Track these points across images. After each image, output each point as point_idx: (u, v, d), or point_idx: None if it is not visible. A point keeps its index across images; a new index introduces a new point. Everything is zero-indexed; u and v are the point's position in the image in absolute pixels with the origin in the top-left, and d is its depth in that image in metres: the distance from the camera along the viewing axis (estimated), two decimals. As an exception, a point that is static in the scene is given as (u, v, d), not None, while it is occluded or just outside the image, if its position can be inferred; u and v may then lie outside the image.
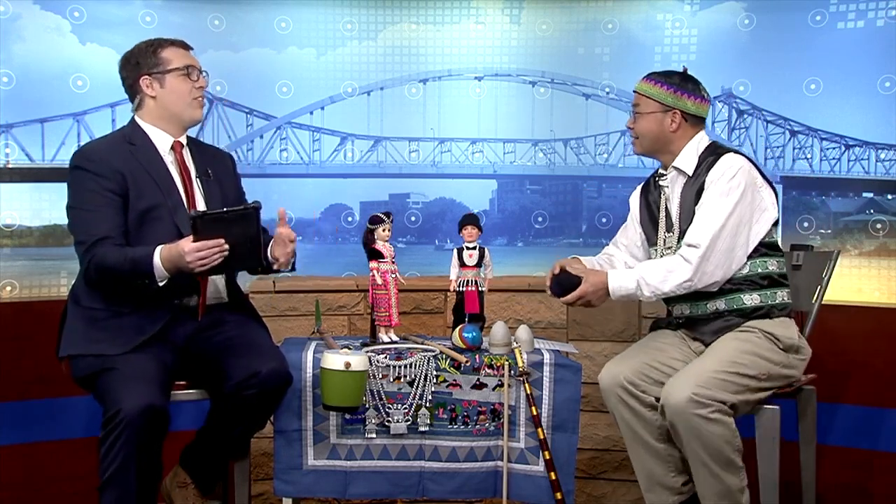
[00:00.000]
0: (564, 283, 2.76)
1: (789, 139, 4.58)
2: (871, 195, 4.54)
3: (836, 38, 4.42)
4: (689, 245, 2.68)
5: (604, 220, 4.87)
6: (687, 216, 2.76)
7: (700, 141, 2.81)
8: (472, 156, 4.85)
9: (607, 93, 4.72)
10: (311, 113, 4.75)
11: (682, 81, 2.79)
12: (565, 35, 4.76)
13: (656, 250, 2.87)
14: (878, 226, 4.43)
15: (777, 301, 2.75)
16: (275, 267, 2.75)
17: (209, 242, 2.46)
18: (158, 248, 2.53)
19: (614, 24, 4.69)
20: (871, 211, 4.51)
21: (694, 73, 2.84)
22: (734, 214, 2.67)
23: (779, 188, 4.72)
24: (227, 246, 2.48)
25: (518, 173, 4.88)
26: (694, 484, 2.71)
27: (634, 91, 2.85)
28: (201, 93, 2.80)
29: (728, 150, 2.76)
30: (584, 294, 2.71)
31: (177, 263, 2.51)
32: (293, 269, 2.83)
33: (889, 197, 4.50)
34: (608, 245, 3.08)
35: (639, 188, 3.02)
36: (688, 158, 2.79)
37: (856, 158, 4.51)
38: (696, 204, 2.73)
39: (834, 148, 4.54)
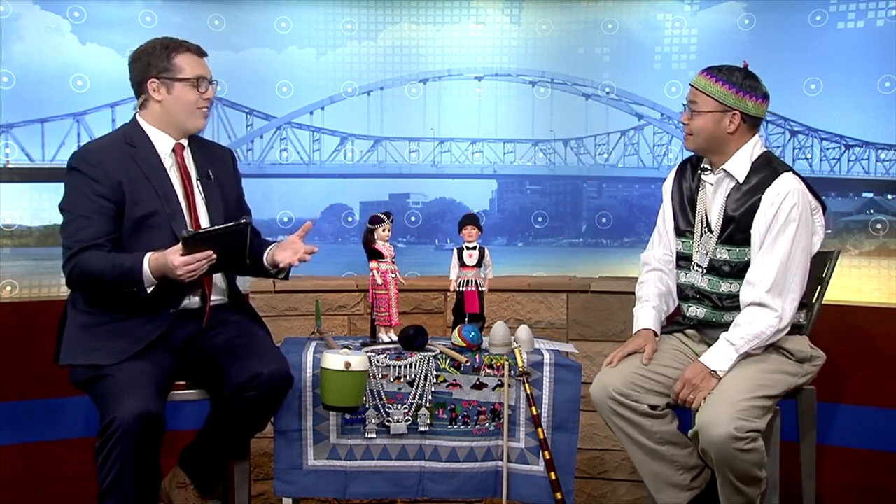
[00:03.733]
0: None
1: (789, 139, 4.58)
2: (871, 195, 4.54)
3: (836, 38, 4.42)
4: (760, 286, 2.62)
5: (604, 220, 4.87)
6: (729, 224, 2.70)
7: (754, 147, 2.73)
8: (472, 156, 4.85)
9: (607, 93, 4.72)
10: (311, 113, 4.75)
11: (744, 80, 2.69)
12: (565, 35, 4.76)
13: (684, 242, 2.83)
14: (878, 226, 4.43)
15: (794, 321, 2.72)
16: (277, 266, 2.75)
17: (199, 255, 2.49)
18: (147, 257, 2.52)
19: (614, 24, 4.69)
20: (871, 211, 4.51)
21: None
22: (801, 244, 2.64)
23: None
24: (215, 256, 2.52)
25: (518, 173, 4.88)
26: (703, 478, 2.74)
27: (692, 85, 2.75)
28: (207, 103, 2.76)
29: (784, 169, 2.70)
30: (685, 384, 2.63)
31: (165, 273, 2.51)
32: (287, 277, 2.83)
33: (889, 197, 4.50)
34: (654, 267, 2.92)
35: (672, 174, 2.93)
36: (740, 163, 2.71)
37: (856, 158, 4.51)
38: (746, 216, 2.67)
39: (834, 148, 4.54)
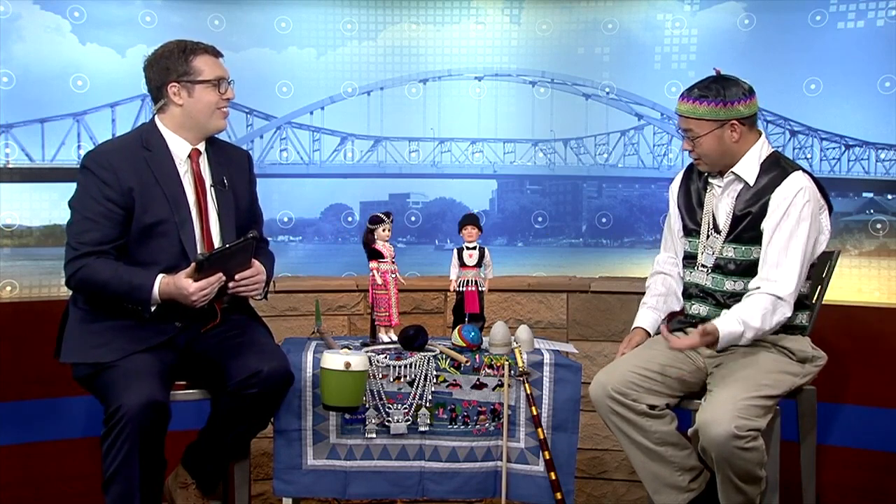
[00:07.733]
0: None
1: (789, 139, 4.58)
2: (871, 195, 4.54)
3: (836, 38, 4.42)
4: (775, 280, 2.63)
5: (604, 220, 4.87)
6: (738, 223, 2.72)
7: (762, 148, 2.74)
8: (472, 156, 4.85)
9: (607, 93, 4.72)
10: (311, 113, 4.75)
11: (724, 89, 2.69)
12: (565, 35, 4.76)
13: (691, 242, 2.84)
14: (878, 226, 4.43)
15: (796, 322, 2.74)
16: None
17: (211, 279, 2.53)
18: (158, 280, 2.55)
19: (614, 24, 4.69)
20: (871, 211, 4.51)
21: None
22: (808, 242, 2.66)
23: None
24: (224, 278, 2.57)
25: (518, 173, 4.88)
26: (702, 480, 2.74)
27: (680, 115, 2.74)
28: (227, 104, 2.76)
29: (793, 168, 2.71)
30: (695, 344, 2.63)
31: (175, 298, 2.55)
32: (265, 297, 2.85)
33: (889, 197, 4.50)
34: (658, 270, 2.96)
35: (679, 176, 2.94)
36: (749, 166, 2.72)
37: (856, 158, 4.51)
38: (755, 216, 2.69)
39: (834, 148, 4.54)
